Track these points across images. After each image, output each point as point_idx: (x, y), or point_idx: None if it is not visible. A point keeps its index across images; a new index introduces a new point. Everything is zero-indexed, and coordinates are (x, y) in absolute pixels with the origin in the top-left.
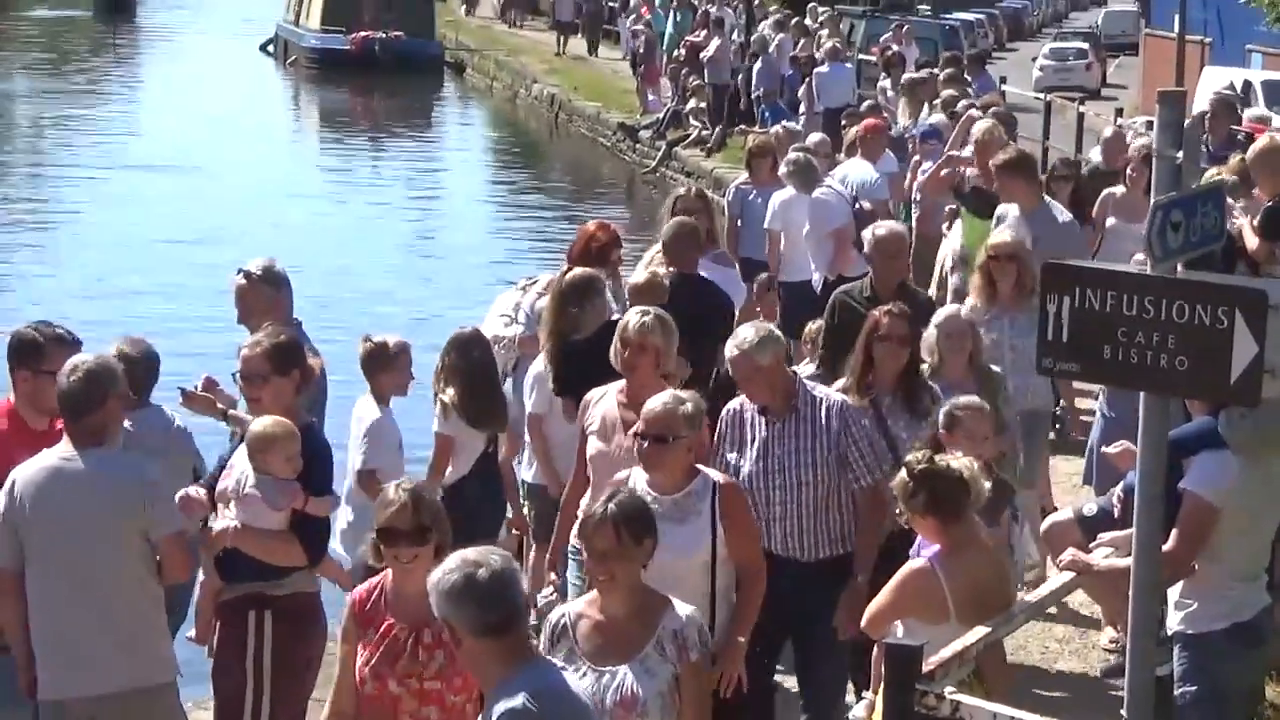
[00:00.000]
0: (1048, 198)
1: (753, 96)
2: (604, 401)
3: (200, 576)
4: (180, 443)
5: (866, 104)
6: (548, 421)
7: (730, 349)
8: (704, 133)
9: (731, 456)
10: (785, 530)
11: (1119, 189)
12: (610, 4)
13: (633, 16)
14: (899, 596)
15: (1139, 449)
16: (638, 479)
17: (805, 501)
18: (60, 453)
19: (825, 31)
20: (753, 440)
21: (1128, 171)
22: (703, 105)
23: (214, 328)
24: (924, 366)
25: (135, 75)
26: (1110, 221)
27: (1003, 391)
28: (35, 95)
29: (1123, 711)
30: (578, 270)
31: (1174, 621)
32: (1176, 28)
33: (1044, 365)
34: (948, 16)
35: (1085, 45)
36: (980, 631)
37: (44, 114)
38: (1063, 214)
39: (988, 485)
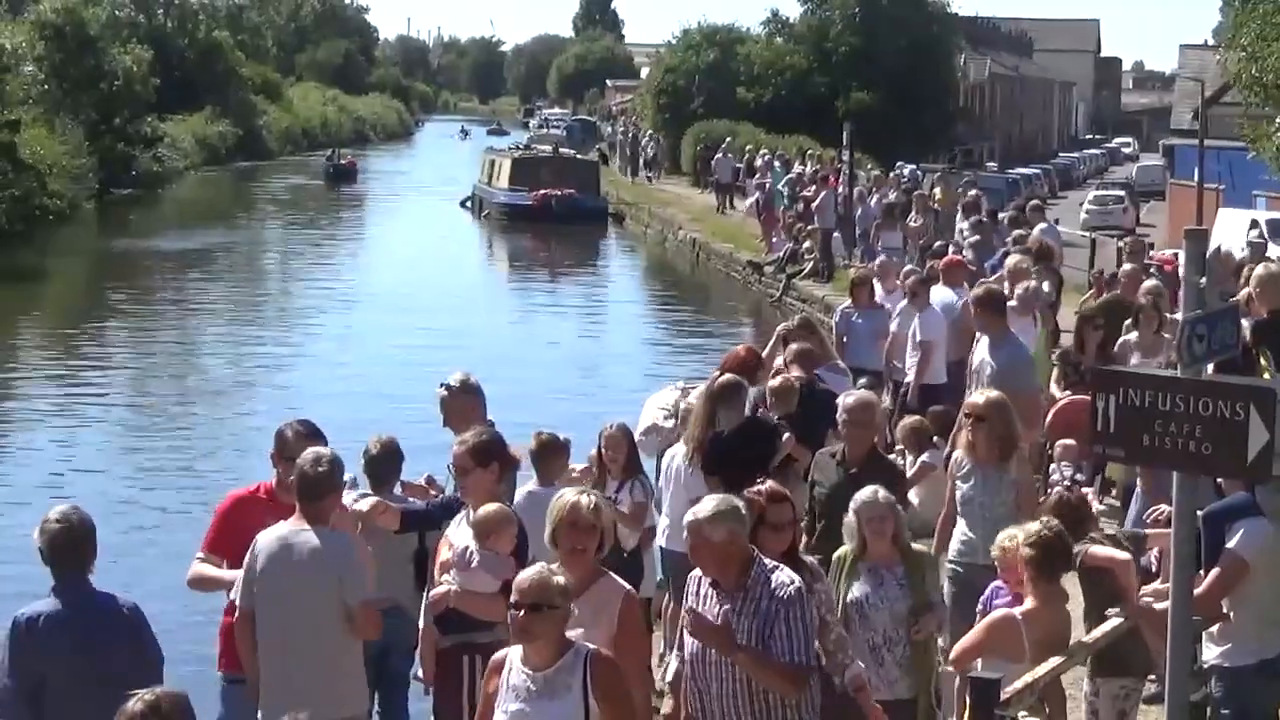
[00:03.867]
0: (1013, 329)
1: (856, 235)
2: None
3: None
4: None
5: (937, 244)
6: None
7: (688, 515)
8: (820, 265)
9: (685, 624)
10: (723, 708)
11: (1134, 335)
12: (738, 165)
13: (756, 177)
14: (987, 639)
15: (1173, 517)
16: (514, 655)
17: (740, 679)
18: (292, 525)
19: (939, 190)
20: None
21: (1140, 316)
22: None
23: (424, 428)
24: (846, 549)
25: (359, 227)
26: (1134, 359)
27: (931, 572)
28: (279, 245)
29: None
30: (727, 375)
31: (1211, 657)
32: (1196, 178)
33: (1095, 449)
34: (1011, 171)
35: (1122, 192)
36: (1047, 666)
37: (287, 259)
38: (1021, 348)
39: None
